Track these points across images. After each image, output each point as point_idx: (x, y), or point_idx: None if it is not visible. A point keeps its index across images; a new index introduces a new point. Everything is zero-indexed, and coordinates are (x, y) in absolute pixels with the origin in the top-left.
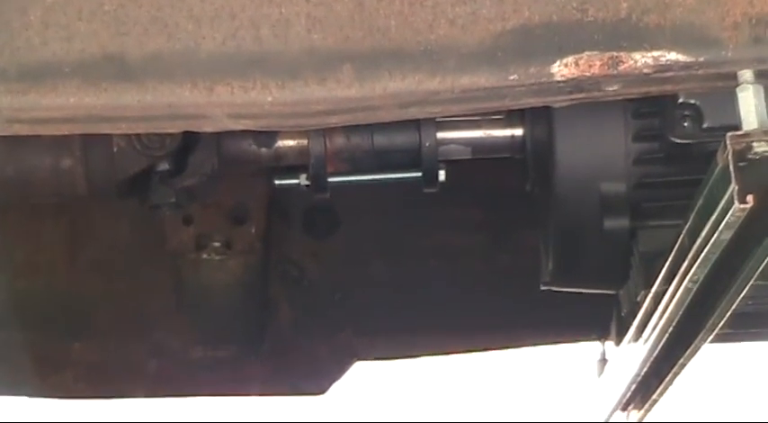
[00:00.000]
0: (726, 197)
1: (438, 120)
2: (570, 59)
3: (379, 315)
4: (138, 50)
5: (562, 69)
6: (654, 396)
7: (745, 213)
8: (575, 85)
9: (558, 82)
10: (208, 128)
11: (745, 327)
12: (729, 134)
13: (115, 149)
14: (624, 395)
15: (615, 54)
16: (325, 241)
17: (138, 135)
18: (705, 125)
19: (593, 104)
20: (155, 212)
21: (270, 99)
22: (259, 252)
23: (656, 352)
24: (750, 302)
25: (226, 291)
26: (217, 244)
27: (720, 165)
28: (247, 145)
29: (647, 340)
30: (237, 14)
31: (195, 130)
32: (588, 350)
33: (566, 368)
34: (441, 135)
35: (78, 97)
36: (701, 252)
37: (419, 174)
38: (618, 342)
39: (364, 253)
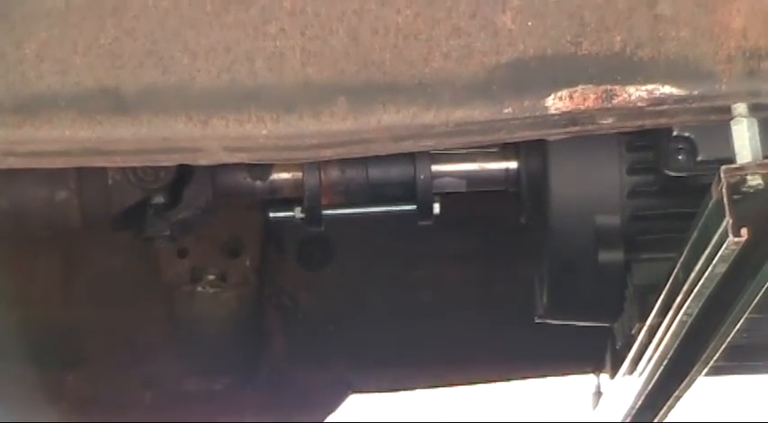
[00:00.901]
0: (720, 230)
1: (433, 152)
2: (564, 93)
3: (373, 347)
4: (134, 84)
5: (556, 103)
6: None
7: (740, 246)
8: (569, 118)
9: (553, 115)
10: (203, 161)
11: (739, 360)
12: (723, 167)
13: (110, 182)
14: None
15: (609, 87)
16: (320, 273)
17: (132, 168)
18: (699, 158)
19: (587, 137)
20: (149, 245)
21: (265, 132)
22: (254, 284)
23: (651, 385)
24: (745, 335)
25: (220, 323)
26: (211, 276)
27: (714, 198)
28: (242, 178)
29: (641, 373)
30: (232, 48)
31: (190, 163)
32: (583, 383)
33: (561, 401)
34: (435, 168)
35: (73, 130)
36: (696, 285)
37: (414, 206)
38: (613, 375)
39: (359, 284)
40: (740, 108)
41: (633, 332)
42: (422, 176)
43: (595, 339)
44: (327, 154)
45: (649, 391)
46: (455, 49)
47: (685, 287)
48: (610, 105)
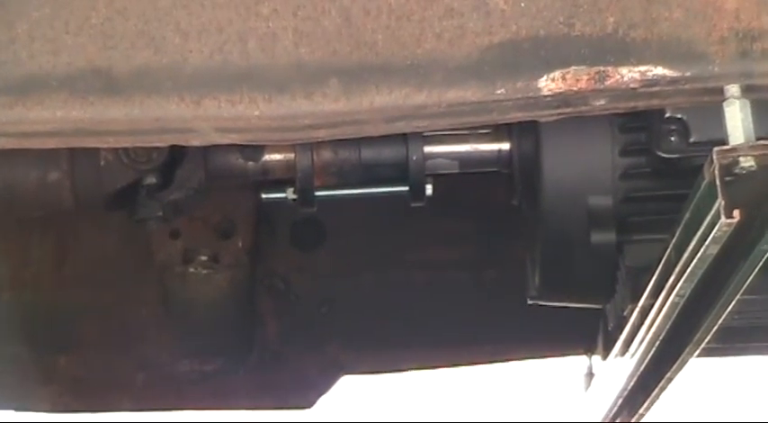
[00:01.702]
0: (712, 212)
1: (425, 134)
2: (557, 74)
3: (366, 328)
4: (125, 64)
5: (549, 84)
6: (641, 410)
7: (732, 228)
8: (562, 99)
9: (545, 96)
10: (195, 142)
11: (731, 341)
12: (716, 149)
13: (102, 163)
14: (611, 409)
15: (602, 69)
16: (312, 255)
17: (125, 149)
18: (692, 140)
19: (579, 119)
20: (142, 226)
21: (257, 113)
22: (246, 266)
23: (643, 366)
24: (737, 317)
25: (212, 304)
26: (204, 258)
27: (707, 179)
28: (234, 159)
29: (633, 354)
30: (225, 28)
31: (182, 143)
32: (575, 364)
33: (552, 382)
34: (428, 149)
35: (65, 111)
36: (688, 266)
37: (406, 188)
38: (605, 356)
39: (351, 266)
40: (733, 89)
41: (625, 313)
42: (414, 158)
43: (587, 321)
44: (320, 135)
45: (641, 373)
46: (448, 29)
47: (677, 268)
48: (602, 86)
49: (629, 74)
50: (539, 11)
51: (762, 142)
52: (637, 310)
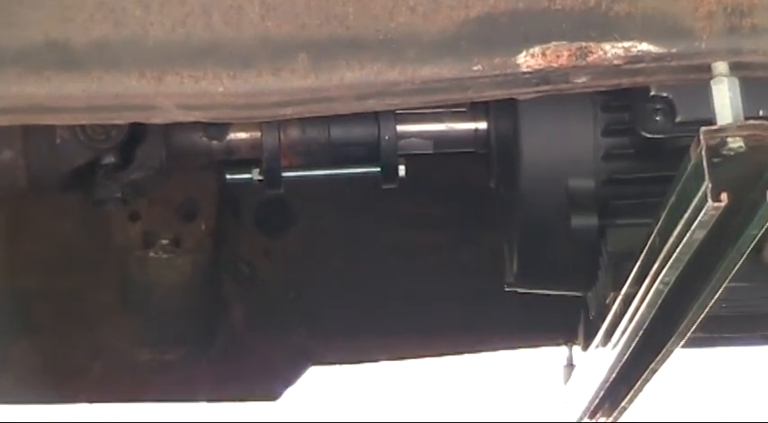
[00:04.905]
0: (699, 195)
1: (398, 112)
2: (537, 49)
3: (335, 316)
4: (83, 37)
5: (528, 60)
6: (623, 403)
7: (719, 212)
8: (541, 76)
9: (524, 73)
10: (156, 119)
11: (718, 331)
12: (703, 129)
13: (58, 141)
14: (592, 402)
15: (584, 44)
16: (279, 238)
17: (82, 126)
18: (678, 119)
19: (560, 97)
20: (100, 208)
21: (221, 89)
22: (209, 250)
23: (626, 357)
24: (724, 305)
25: (174, 290)
26: (165, 241)
27: (693, 161)
28: (197, 137)
29: (615, 345)
30: (188, 0)
31: (143, 121)
32: (554, 355)
33: (531, 374)
34: (401, 128)
35: (19, 86)
36: (673, 252)
37: (378, 168)
38: (585, 346)
39: (319, 251)
40: (721, 67)
41: (607, 302)
42: (386, 137)
43: (568, 309)
44: (287, 112)
45: (624, 364)
46: (422, 2)
47: (662, 254)
48: (584, 63)
49: (612, 50)
50: None
51: (751, 122)
52: (619, 298)
